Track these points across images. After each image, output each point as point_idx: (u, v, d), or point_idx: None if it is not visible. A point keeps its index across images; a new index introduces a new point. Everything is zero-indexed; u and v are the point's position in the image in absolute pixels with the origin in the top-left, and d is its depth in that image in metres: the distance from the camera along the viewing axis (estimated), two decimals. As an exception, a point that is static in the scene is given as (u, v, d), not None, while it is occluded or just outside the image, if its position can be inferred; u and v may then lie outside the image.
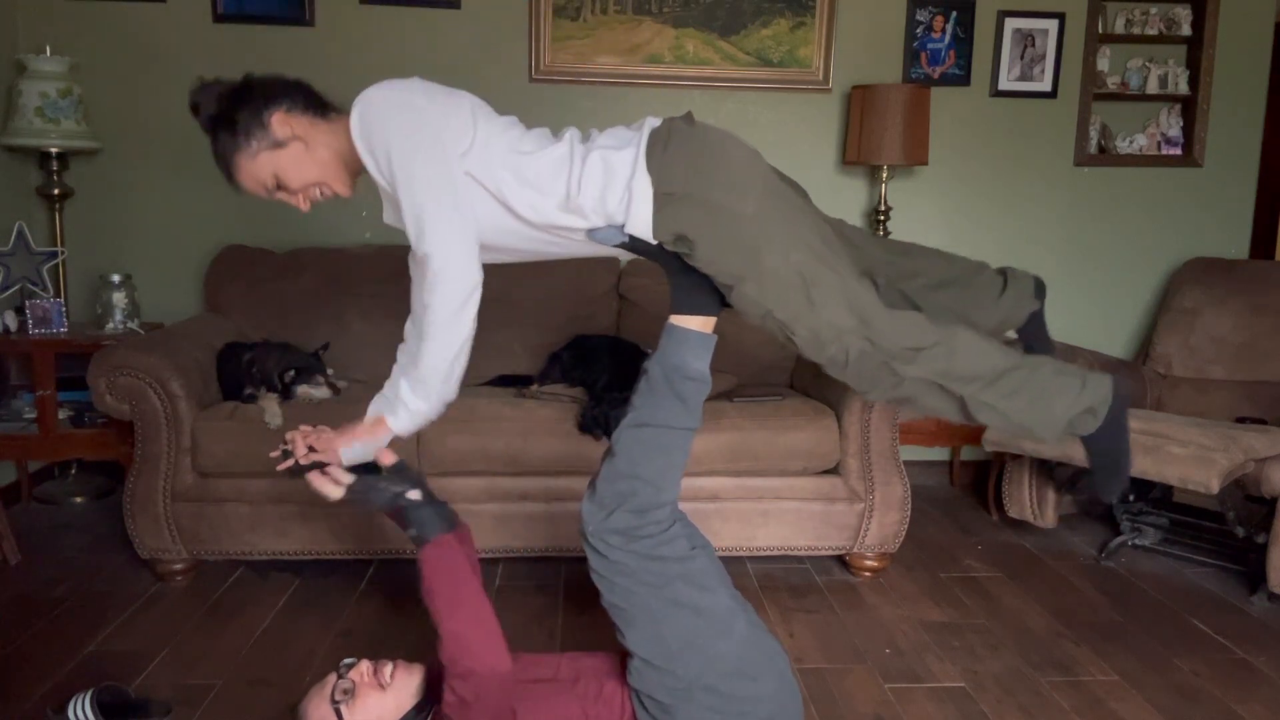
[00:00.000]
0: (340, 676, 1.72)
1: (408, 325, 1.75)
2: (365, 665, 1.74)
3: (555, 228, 1.65)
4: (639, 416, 1.67)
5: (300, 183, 1.69)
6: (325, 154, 1.69)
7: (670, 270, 1.68)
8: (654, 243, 1.62)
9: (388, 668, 1.74)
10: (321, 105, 1.72)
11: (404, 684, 1.73)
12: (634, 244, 1.64)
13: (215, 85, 1.69)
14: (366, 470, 1.79)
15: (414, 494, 1.72)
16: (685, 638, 1.64)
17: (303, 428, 1.85)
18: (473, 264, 1.61)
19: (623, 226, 1.61)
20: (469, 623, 1.62)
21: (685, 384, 1.65)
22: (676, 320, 1.68)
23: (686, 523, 1.72)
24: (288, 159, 1.67)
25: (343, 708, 1.67)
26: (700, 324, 1.67)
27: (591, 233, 1.64)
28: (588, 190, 1.59)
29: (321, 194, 1.73)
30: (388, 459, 1.79)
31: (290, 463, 1.80)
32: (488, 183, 1.62)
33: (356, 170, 1.72)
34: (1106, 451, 1.78)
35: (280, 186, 1.70)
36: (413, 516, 1.71)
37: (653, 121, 1.65)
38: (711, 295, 1.67)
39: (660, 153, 1.58)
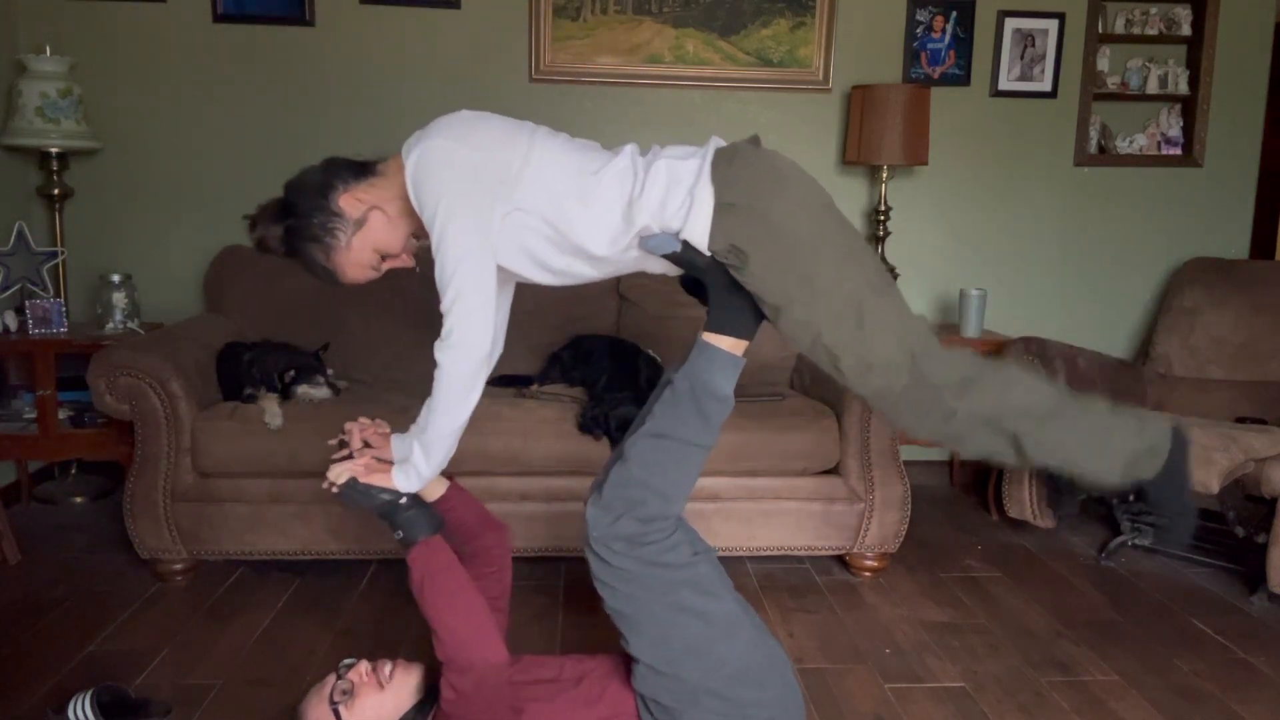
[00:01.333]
0: (339, 677, 1.72)
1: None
2: (364, 665, 1.74)
3: (616, 251, 1.65)
4: (659, 427, 1.66)
5: (400, 244, 1.68)
6: (399, 205, 1.66)
7: (715, 286, 1.67)
8: (706, 253, 1.62)
9: (386, 667, 1.74)
10: (364, 167, 1.70)
11: (403, 683, 1.73)
12: (685, 254, 1.63)
13: (265, 211, 1.68)
14: None
15: (402, 498, 1.72)
16: (690, 643, 1.64)
17: (361, 420, 1.86)
18: (486, 341, 1.60)
19: (678, 233, 1.60)
20: (464, 617, 1.62)
21: (711, 402, 1.65)
22: (709, 338, 1.67)
23: (687, 528, 1.72)
24: (376, 230, 1.66)
25: (341, 708, 1.67)
26: (731, 345, 1.67)
27: (645, 240, 1.63)
28: (650, 194, 1.59)
29: (418, 240, 1.72)
30: (363, 471, 1.76)
31: (345, 453, 1.79)
32: (547, 213, 1.62)
33: None
34: (1169, 500, 1.76)
35: (385, 257, 1.69)
36: (399, 519, 1.71)
37: (718, 140, 1.67)
38: (750, 319, 1.67)
39: (725, 166, 1.60)
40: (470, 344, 1.59)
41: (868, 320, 1.59)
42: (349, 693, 1.69)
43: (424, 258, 1.65)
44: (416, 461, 1.69)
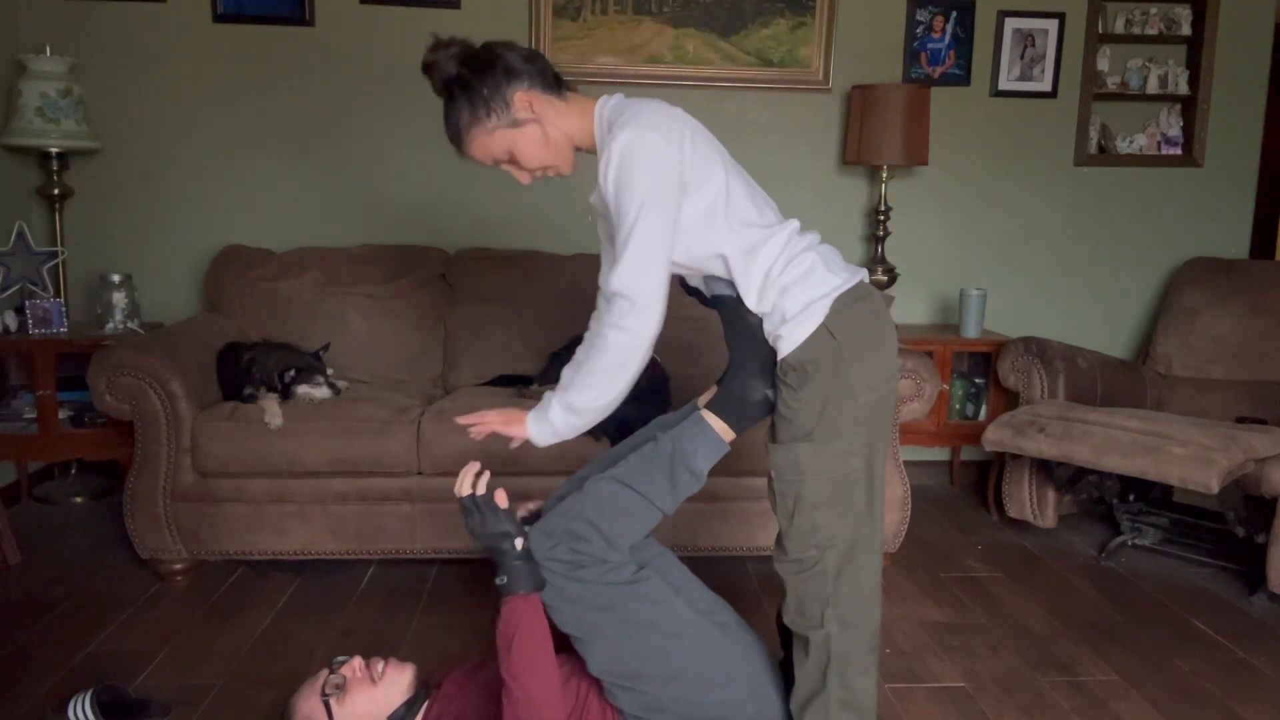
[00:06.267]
0: (332, 671, 1.73)
1: (580, 348, 1.74)
2: (357, 661, 1.76)
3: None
4: (627, 476, 1.66)
5: (534, 163, 1.68)
6: (558, 135, 1.67)
7: (743, 370, 1.67)
8: (775, 349, 1.61)
9: (379, 664, 1.76)
10: (557, 83, 1.69)
11: (395, 680, 1.75)
12: (746, 329, 1.64)
13: (452, 45, 1.66)
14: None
15: (520, 542, 1.67)
16: (644, 656, 1.64)
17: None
18: (655, 330, 1.58)
19: (769, 322, 1.61)
20: (540, 679, 1.60)
21: (684, 474, 1.66)
22: (708, 415, 1.69)
23: (635, 548, 1.72)
24: (524, 139, 1.65)
25: (332, 702, 1.69)
26: (723, 430, 1.68)
27: (710, 283, 1.65)
28: (788, 274, 1.60)
29: (546, 174, 1.72)
30: (503, 501, 1.73)
31: (478, 466, 1.76)
32: (702, 251, 1.63)
33: (580, 149, 1.71)
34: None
35: (512, 161, 1.69)
36: (508, 563, 1.65)
37: (865, 274, 1.69)
38: (752, 417, 1.68)
39: (851, 301, 1.60)
40: (642, 331, 1.57)
41: (845, 496, 1.61)
42: (341, 687, 1.71)
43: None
44: (555, 418, 1.66)
